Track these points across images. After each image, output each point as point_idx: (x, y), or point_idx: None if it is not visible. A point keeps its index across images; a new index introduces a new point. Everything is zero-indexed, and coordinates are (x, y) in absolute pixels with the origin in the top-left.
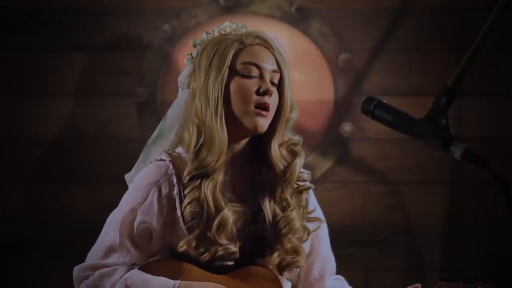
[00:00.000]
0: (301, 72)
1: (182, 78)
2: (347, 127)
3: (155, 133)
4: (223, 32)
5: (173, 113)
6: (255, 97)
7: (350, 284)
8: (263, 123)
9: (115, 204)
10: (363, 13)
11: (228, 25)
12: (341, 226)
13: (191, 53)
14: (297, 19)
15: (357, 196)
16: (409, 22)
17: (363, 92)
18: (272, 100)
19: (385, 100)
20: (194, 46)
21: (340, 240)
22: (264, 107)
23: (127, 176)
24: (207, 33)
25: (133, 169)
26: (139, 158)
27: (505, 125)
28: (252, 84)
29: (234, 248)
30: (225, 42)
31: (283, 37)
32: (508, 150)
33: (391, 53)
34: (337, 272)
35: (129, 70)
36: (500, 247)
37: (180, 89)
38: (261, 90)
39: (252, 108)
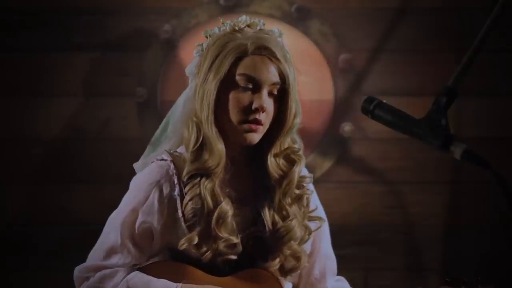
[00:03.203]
0: (301, 72)
1: (191, 68)
2: (347, 127)
3: (161, 124)
4: (236, 28)
5: (182, 103)
6: (247, 112)
7: (350, 284)
8: (253, 137)
9: (115, 204)
10: (363, 13)
11: (244, 20)
12: (341, 226)
13: (202, 44)
14: (297, 19)
15: (357, 196)
16: (409, 22)
17: (363, 92)
18: (265, 115)
19: (385, 100)
20: (206, 37)
21: (340, 240)
22: (255, 123)
23: (136, 166)
24: (223, 24)
25: (141, 158)
26: (147, 149)
27: (505, 125)
28: (246, 98)
29: (235, 239)
30: (230, 45)
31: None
32: (508, 150)
33: (391, 53)
34: (337, 272)
35: (129, 70)
36: (500, 247)
37: (190, 80)
38: (253, 107)
39: (243, 122)
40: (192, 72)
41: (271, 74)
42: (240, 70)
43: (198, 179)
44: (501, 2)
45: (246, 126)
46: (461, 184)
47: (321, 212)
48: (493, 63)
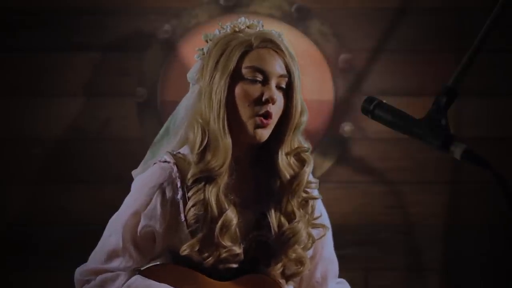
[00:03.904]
0: (301, 72)
1: (192, 74)
2: (347, 127)
3: (162, 129)
4: (237, 29)
5: (183, 108)
6: (257, 104)
7: (350, 284)
8: (263, 133)
9: (115, 204)
10: (363, 13)
11: (243, 22)
12: (341, 226)
13: (202, 49)
14: (297, 19)
15: (357, 196)
16: (409, 22)
17: (363, 92)
18: (275, 107)
19: (385, 100)
20: (206, 41)
21: (340, 240)
22: (266, 116)
23: (134, 173)
24: (221, 27)
25: (141, 164)
26: (147, 155)
27: (505, 125)
28: (256, 90)
29: (238, 249)
30: (234, 42)
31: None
32: (508, 150)
33: (391, 53)
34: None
35: (129, 70)
36: (500, 247)
37: (191, 84)
38: (263, 98)
39: (253, 116)
40: (193, 78)
41: (278, 66)
42: (246, 63)
43: (203, 183)
44: (501, 2)
45: (257, 119)
46: (461, 184)
47: (325, 219)
48: (493, 63)
